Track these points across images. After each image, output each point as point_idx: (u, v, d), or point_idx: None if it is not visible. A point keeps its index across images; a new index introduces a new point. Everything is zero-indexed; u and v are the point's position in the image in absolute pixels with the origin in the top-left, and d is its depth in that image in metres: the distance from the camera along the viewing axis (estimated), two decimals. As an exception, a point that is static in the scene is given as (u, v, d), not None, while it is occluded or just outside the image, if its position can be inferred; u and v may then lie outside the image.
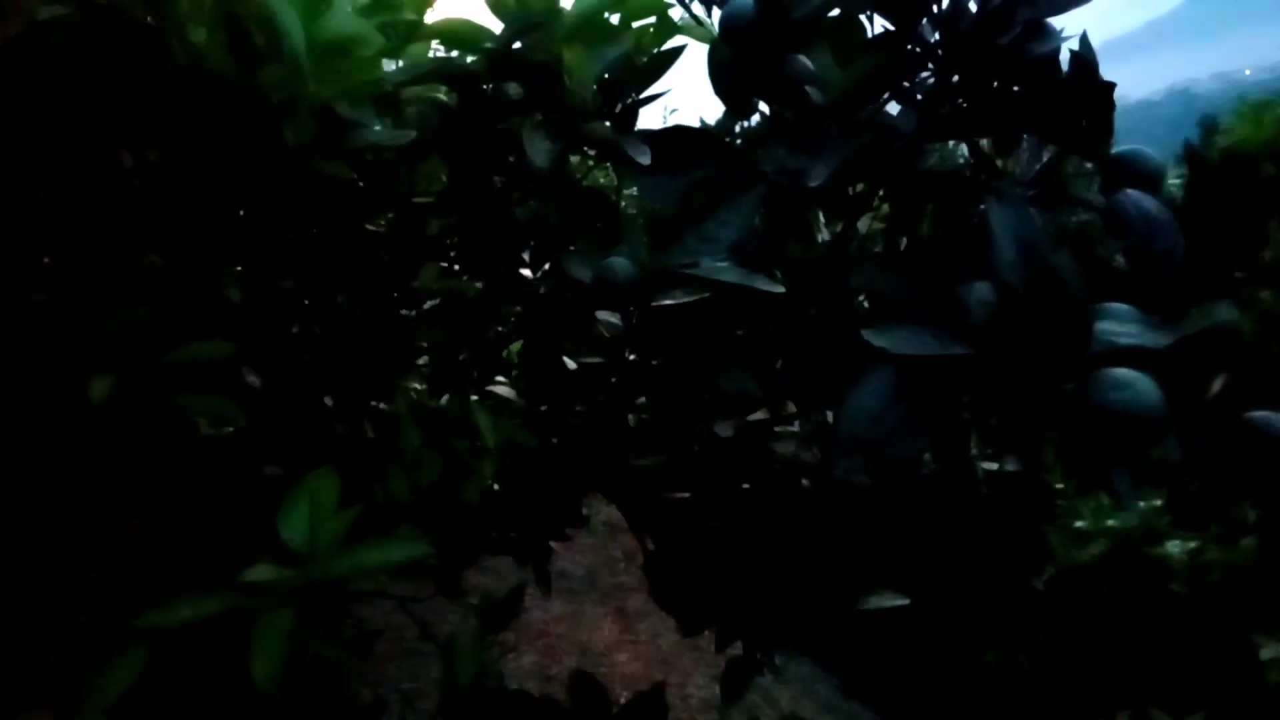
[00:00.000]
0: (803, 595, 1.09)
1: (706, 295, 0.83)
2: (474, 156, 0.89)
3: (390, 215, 0.99)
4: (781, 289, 0.76)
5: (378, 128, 0.85)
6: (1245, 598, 2.49)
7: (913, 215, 0.95)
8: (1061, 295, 0.58)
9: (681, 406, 0.92)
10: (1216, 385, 0.90)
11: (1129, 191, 0.80)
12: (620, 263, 0.80)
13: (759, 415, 1.10)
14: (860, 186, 1.01)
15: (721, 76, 0.95)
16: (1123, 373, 0.58)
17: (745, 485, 1.02)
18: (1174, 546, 2.68)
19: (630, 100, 0.95)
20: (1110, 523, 3.00)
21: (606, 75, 0.88)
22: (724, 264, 0.80)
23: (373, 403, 0.95)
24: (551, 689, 3.04)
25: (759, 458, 1.00)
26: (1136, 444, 0.57)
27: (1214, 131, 2.80)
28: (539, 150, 0.80)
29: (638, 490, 1.01)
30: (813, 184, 0.75)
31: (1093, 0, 0.78)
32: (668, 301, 0.83)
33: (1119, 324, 0.64)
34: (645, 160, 0.83)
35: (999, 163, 1.01)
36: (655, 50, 1.08)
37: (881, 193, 0.96)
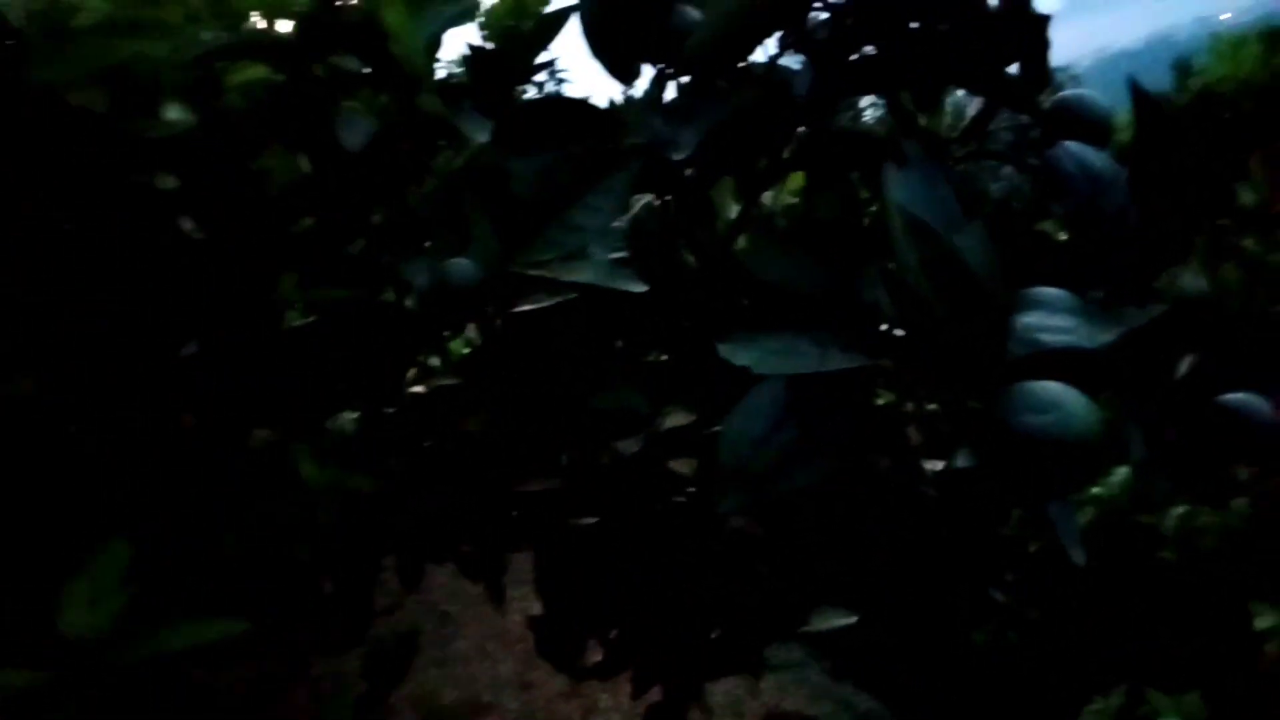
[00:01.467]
0: (734, 625, 0.96)
1: (573, 297, 0.69)
2: (301, 143, 0.75)
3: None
4: (644, 288, 0.62)
5: (174, 115, 0.70)
6: (1239, 564, 2.38)
7: (829, 187, 0.81)
8: (966, 286, 0.45)
9: (564, 426, 0.78)
10: (1183, 367, 0.77)
11: (1066, 144, 0.66)
12: (460, 264, 0.66)
13: (681, 419, 0.97)
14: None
15: (597, 34, 0.81)
16: (1045, 389, 0.44)
17: (656, 507, 0.88)
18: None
19: (490, 68, 0.81)
20: (1096, 490, 2.89)
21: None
22: (581, 261, 0.66)
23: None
24: (530, 698, 2.92)
25: (670, 476, 0.87)
26: (1065, 477, 0.43)
27: (1188, 73, 2.66)
28: (353, 130, 0.66)
29: (525, 521, 0.87)
30: (677, 156, 0.61)
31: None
32: (526, 307, 0.70)
33: (1048, 316, 0.50)
34: (481, 137, 0.69)
35: (926, 121, 0.87)
36: (540, 13, 0.94)
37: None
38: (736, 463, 0.56)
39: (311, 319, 0.87)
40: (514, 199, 0.70)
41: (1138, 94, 0.56)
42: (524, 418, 0.76)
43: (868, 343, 0.51)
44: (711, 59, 0.67)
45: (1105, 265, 0.63)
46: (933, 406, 0.86)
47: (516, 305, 0.70)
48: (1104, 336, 0.47)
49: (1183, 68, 3.04)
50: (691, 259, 0.94)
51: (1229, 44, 2.46)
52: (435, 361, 0.83)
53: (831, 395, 0.57)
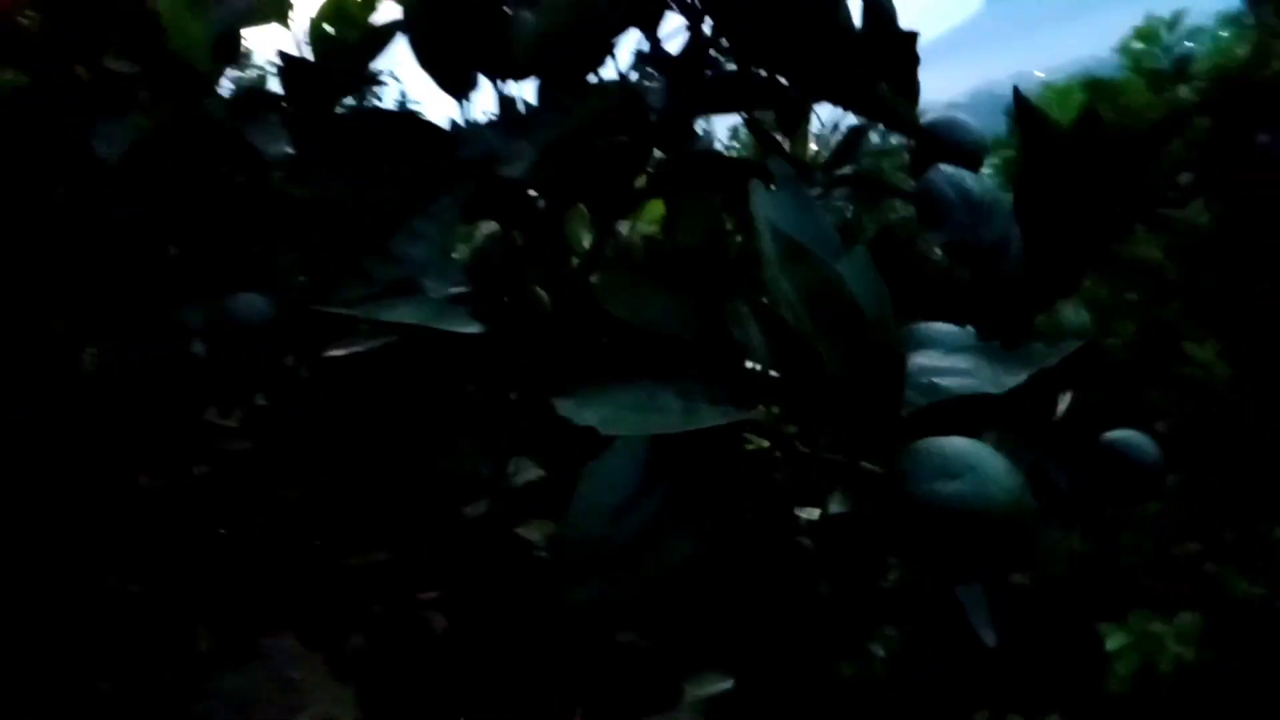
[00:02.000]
0: (599, 703, 0.86)
1: (392, 340, 0.58)
2: (51, 159, 0.61)
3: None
4: (477, 328, 0.52)
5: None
6: (1088, 586, 2.45)
7: (690, 214, 0.73)
8: (853, 321, 0.37)
9: (391, 491, 0.66)
10: (1062, 404, 0.73)
11: (942, 168, 0.60)
12: (247, 300, 0.54)
13: (532, 474, 0.86)
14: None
15: (423, 40, 0.71)
16: (955, 448, 0.37)
17: (504, 577, 0.77)
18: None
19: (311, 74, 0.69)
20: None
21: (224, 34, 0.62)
22: (404, 299, 0.55)
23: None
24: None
25: (518, 542, 0.76)
26: (984, 556, 0.36)
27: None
28: (109, 138, 0.53)
29: (350, 600, 0.75)
30: (510, 172, 0.52)
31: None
32: (338, 352, 0.58)
33: (945, 356, 0.43)
34: (273, 149, 0.58)
35: (790, 147, 0.81)
36: (368, 22, 0.82)
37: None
38: (589, 541, 0.46)
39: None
40: (323, 224, 0.58)
41: (1023, 109, 0.51)
42: (342, 481, 0.64)
43: (740, 392, 0.43)
44: (547, 67, 0.58)
45: (987, 298, 0.58)
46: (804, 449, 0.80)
47: (325, 350, 0.58)
48: (1010, 380, 0.40)
49: (1014, 115, 3.19)
50: (544, 295, 0.84)
51: (1056, 94, 2.60)
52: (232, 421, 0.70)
53: (704, 452, 0.49)
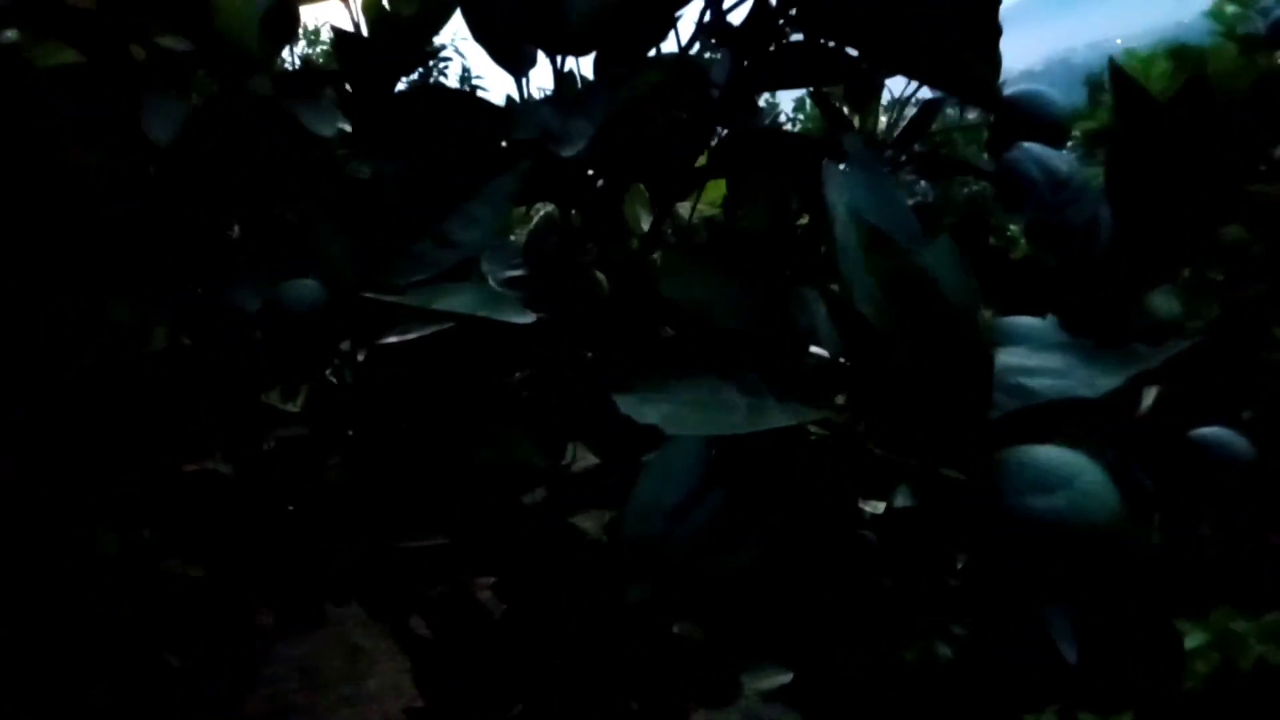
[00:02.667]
0: (656, 694, 0.84)
1: (448, 326, 0.57)
2: (107, 138, 0.60)
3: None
4: (530, 318, 0.50)
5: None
6: (1167, 583, 2.35)
7: (753, 196, 0.70)
8: (940, 316, 0.34)
9: (444, 478, 0.65)
10: (1148, 399, 0.68)
11: (1027, 146, 0.56)
12: (300, 286, 0.52)
13: (591, 462, 0.85)
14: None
15: (479, 11, 0.69)
16: (1051, 460, 0.33)
17: (560, 566, 0.76)
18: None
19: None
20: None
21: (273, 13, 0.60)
22: (457, 285, 0.53)
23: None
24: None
25: (574, 533, 0.74)
26: (1078, 574, 0.33)
27: (1101, 91, 2.67)
28: (160, 118, 0.52)
29: (407, 581, 0.74)
30: (567, 151, 0.49)
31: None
32: (393, 339, 0.57)
33: (1033, 354, 0.40)
34: (326, 131, 0.56)
35: (862, 121, 0.77)
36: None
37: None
38: (647, 541, 0.44)
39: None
40: (376, 208, 0.57)
41: (1119, 80, 0.47)
42: (396, 469, 0.63)
43: (808, 389, 0.40)
44: (604, 40, 0.55)
45: (1075, 286, 0.54)
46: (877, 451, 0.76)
47: (381, 337, 0.57)
48: (1106, 382, 0.37)
49: (1095, 86, 3.06)
50: (602, 278, 0.82)
51: (1140, 62, 2.47)
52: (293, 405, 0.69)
53: (767, 450, 0.46)
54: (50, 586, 0.56)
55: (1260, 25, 2.28)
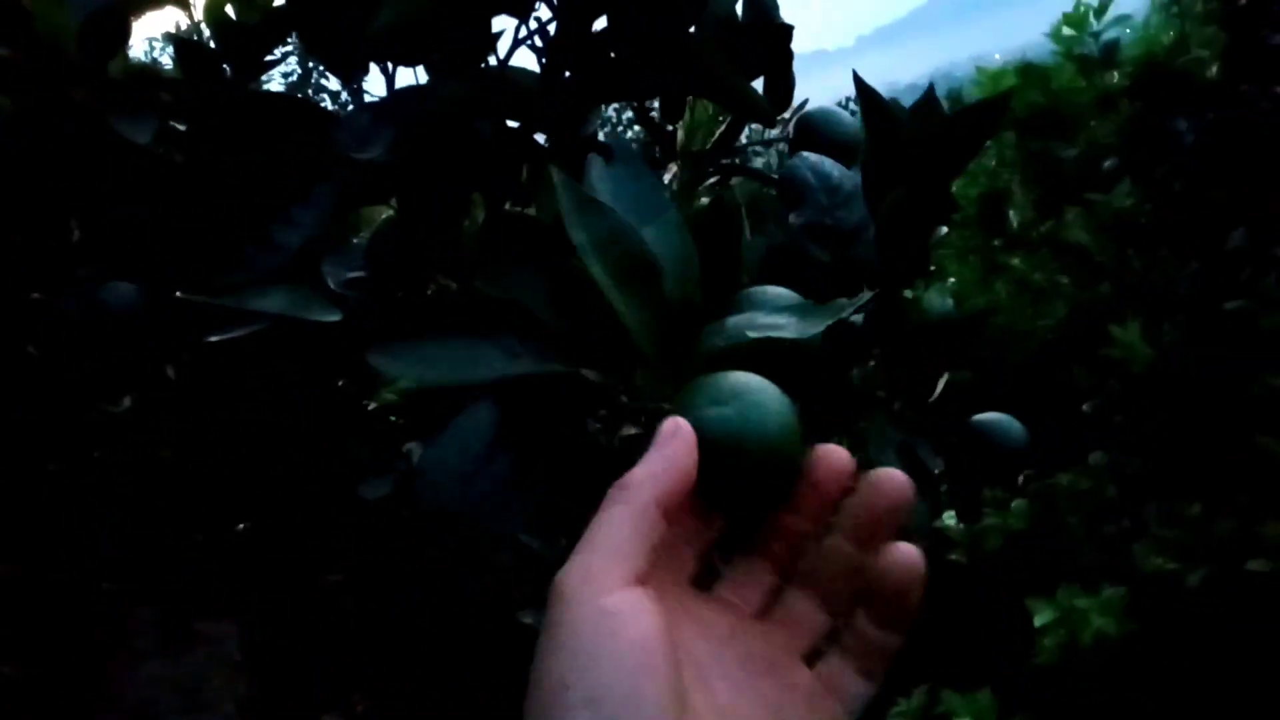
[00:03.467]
0: (507, 684, 0.87)
1: (266, 326, 0.59)
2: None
3: None
4: (337, 316, 0.53)
5: None
6: (1019, 563, 2.52)
7: (548, 191, 0.74)
8: (643, 269, 0.39)
9: (284, 474, 0.67)
10: (940, 386, 0.76)
11: (805, 155, 0.63)
12: (119, 288, 0.54)
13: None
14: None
15: (309, 25, 0.71)
16: (730, 378, 0.37)
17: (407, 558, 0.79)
18: (950, 518, 2.69)
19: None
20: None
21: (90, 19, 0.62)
22: (273, 287, 0.56)
23: None
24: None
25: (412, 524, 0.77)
26: (750, 483, 0.37)
27: (959, 103, 2.85)
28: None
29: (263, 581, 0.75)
30: (365, 156, 0.53)
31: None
32: (216, 338, 0.59)
33: (766, 314, 0.45)
34: (142, 139, 0.58)
35: (683, 136, 0.83)
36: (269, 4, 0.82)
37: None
38: (439, 504, 0.48)
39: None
40: (204, 211, 0.59)
41: (863, 92, 0.53)
42: (228, 467, 0.65)
43: (565, 348, 0.44)
44: (417, 51, 0.59)
45: (844, 279, 0.61)
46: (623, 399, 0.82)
47: (204, 336, 0.59)
48: (813, 328, 0.42)
49: (955, 99, 3.27)
50: (450, 282, 0.85)
51: (989, 76, 2.64)
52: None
53: (548, 417, 0.51)
54: None
55: (1093, 48, 2.48)
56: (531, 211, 0.90)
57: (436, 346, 0.42)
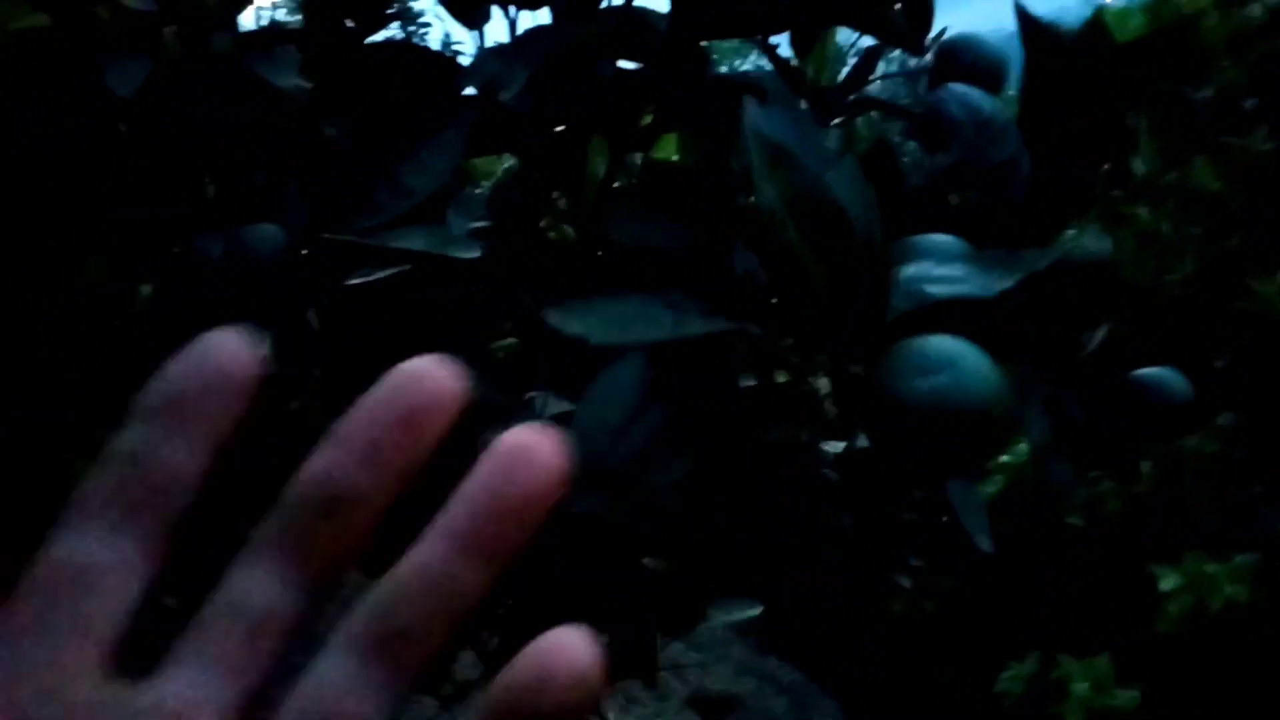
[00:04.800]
0: (622, 627, 0.88)
1: (406, 269, 0.60)
2: (72, 99, 0.63)
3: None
4: (477, 254, 0.53)
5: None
6: (1142, 527, 2.41)
7: (692, 135, 0.72)
8: (837, 226, 0.37)
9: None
10: (1096, 338, 0.71)
11: (951, 86, 0.59)
12: (262, 230, 0.55)
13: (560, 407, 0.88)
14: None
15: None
16: (935, 345, 0.37)
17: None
18: (1069, 481, 2.59)
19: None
20: (1005, 459, 2.91)
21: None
22: (412, 227, 0.56)
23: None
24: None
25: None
26: (964, 450, 0.36)
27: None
28: (123, 73, 0.55)
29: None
30: (505, 95, 0.52)
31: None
32: (356, 281, 0.60)
33: (937, 265, 0.43)
34: (284, 83, 0.59)
35: (811, 71, 0.80)
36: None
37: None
38: (592, 458, 0.47)
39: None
40: (333, 157, 0.60)
41: (1024, 18, 0.50)
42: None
43: (733, 304, 0.43)
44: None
45: (996, 221, 0.57)
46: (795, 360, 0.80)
47: (343, 279, 0.60)
48: (1001, 284, 0.40)
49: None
50: (568, 229, 0.85)
51: (1115, 16, 2.48)
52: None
53: (701, 372, 0.50)
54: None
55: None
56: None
57: (610, 303, 0.42)
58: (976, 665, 2.75)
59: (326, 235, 0.54)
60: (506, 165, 0.84)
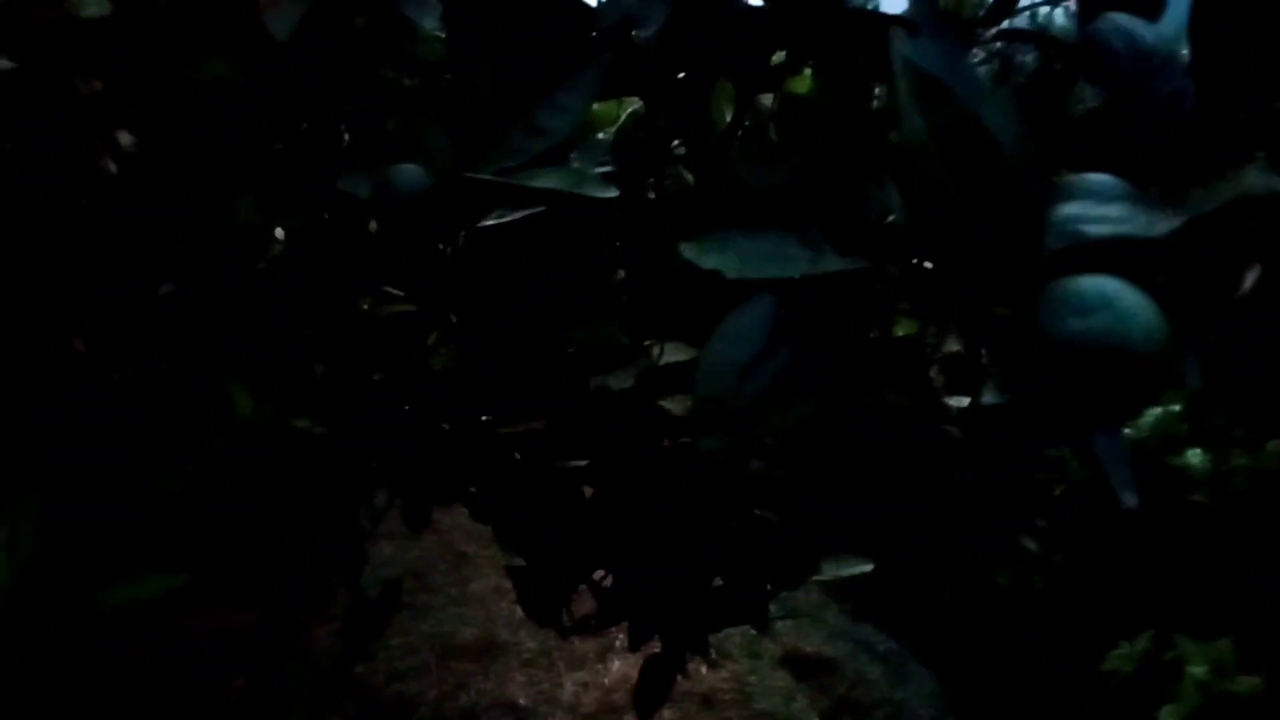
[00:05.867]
0: (738, 573, 0.89)
1: (540, 210, 0.61)
2: (228, 40, 0.66)
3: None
4: (614, 193, 0.53)
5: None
6: (1272, 506, 2.28)
7: (828, 71, 0.70)
8: (989, 158, 0.36)
9: (539, 360, 0.70)
10: (1249, 280, 0.67)
11: (1113, 16, 0.56)
12: (406, 170, 0.57)
13: (681, 354, 0.88)
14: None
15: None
16: (1093, 284, 0.35)
17: (649, 448, 0.81)
18: (1194, 455, 2.46)
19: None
20: (1125, 431, 2.77)
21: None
22: (547, 168, 0.57)
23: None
24: (547, 636, 2.89)
25: (663, 415, 0.79)
26: (1117, 394, 0.35)
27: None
28: (277, 15, 0.57)
29: (504, 467, 0.80)
30: (645, 32, 0.52)
31: None
32: (490, 222, 0.61)
33: (1096, 205, 0.41)
34: (428, 21, 0.60)
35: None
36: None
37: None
38: (717, 397, 0.48)
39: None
40: (470, 98, 0.61)
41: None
42: (495, 352, 0.68)
43: (870, 242, 0.42)
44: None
45: (1157, 158, 0.54)
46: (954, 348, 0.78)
47: (479, 220, 0.61)
48: (1164, 225, 0.38)
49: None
50: (689, 175, 0.85)
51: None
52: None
53: (831, 313, 0.49)
54: (193, 445, 0.64)
55: None
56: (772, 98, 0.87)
57: (746, 239, 0.41)
58: (1082, 642, 2.66)
59: (467, 175, 0.55)
60: (631, 110, 0.84)
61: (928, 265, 0.44)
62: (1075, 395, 0.34)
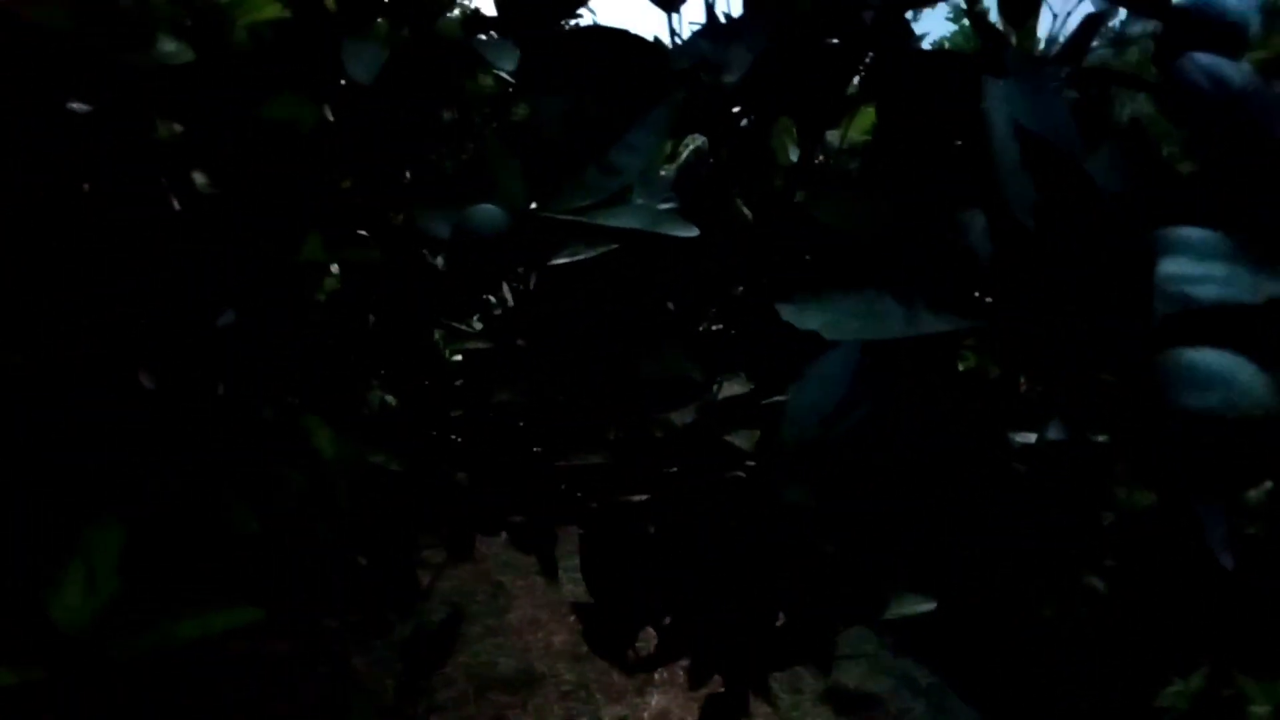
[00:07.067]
0: (801, 611, 0.88)
1: (613, 248, 0.61)
2: (310, 84, 0.67)
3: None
4: (694, 232, 0.53)
5: (171, 48, 0.63)
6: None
7: (905, 119, 0.70)
8: (1100, 220, 0.35)
9: (608, 395, 0.70)
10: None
11: (1196, 55, 0.55)
12: (484, 210, 0.58)
13: (738, 388, 0.88)
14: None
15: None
16: (1209, 360, 0.34)
17: (712, 483, 0.80)
18: (1250, 487, 2.40)
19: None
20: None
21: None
22: (623, 206, 0.57)
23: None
24: (584, 669, 2.88)
25: (728, 449, 0.78)
26: (1235, 472, 0.34)
27: (1277, 18, 2.45)
28: (360, 61, 0.58)
29: (568, 498, 0.80)
30: (729, 79, 0.52)
31: None
32: (563, 260, 0.61)
33: (1197, 263, 0.40)
34: (507, 66, 0.61)
35: (1020, 39, 0.76)
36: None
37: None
38: (803, 442, 0.47)
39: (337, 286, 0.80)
40: (545, 138, 0.61)
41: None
42: (564, 386, 0.68)
43: (964, 301, 0.42)
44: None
45: (1245, 200, 0.53)
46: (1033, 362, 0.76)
47: (552, 258, 0.62)
48: (1272, 287, 0.37)
49: (1272, 13, 2.82)
50: (747, 211, 0.84)
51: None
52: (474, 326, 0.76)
53: (917, 364, 0.48)
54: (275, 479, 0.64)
55: None
56: (838, 135, 0.87)
57: (843, 298, 0.41)
58: (1130, 677, 2.59)
59: (545, 213, 0.56)
60: (693, 146, 0.84)
61: (1024, 324, 0.43)
62: (1187, 466, 0.34)
